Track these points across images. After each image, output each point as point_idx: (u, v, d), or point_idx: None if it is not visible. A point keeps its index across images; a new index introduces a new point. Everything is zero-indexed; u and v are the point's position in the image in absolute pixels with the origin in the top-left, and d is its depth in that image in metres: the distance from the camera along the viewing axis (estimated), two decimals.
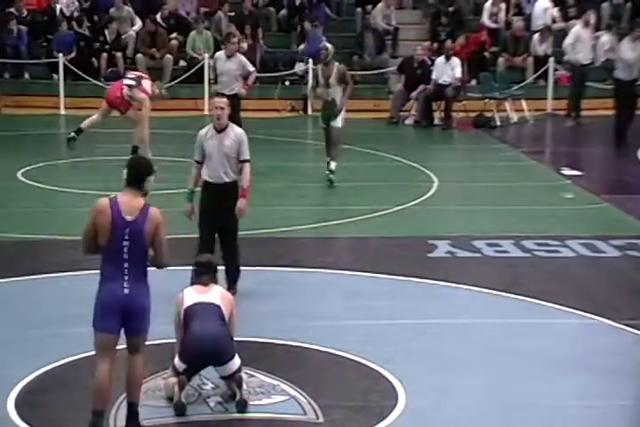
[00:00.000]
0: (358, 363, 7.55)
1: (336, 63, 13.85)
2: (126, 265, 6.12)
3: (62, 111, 19.40)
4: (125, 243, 6.10)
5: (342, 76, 13.73)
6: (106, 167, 14.69)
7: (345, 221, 11.87)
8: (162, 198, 12.63)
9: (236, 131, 8.91)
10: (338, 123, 13.61)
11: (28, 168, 14.32)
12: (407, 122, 19.15)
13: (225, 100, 8.95)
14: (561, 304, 8.96)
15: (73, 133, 15.46)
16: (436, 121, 19.02)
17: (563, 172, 14.91)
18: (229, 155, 8.82)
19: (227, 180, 8.87)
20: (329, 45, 13.99)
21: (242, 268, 9.18)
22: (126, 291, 6.10)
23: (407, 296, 9.19)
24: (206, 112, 19.18)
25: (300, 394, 6.94)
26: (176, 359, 6.79)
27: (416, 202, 12.88)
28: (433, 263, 10.30)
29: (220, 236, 9.03)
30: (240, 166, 8.87)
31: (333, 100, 13.61)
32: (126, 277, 6.11)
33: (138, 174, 6.23)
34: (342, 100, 13.66)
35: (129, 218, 6.13)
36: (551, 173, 15.01)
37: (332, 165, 13.56)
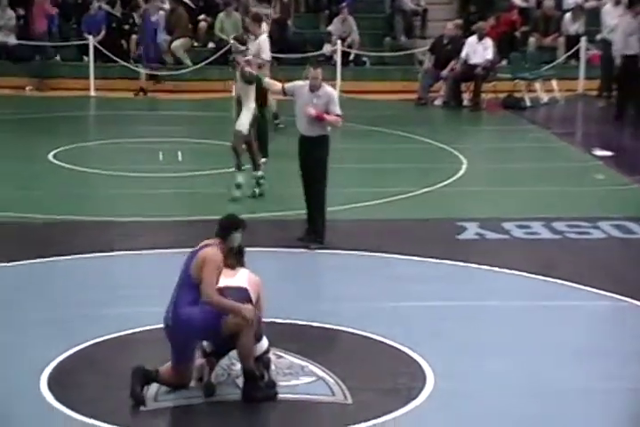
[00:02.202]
0: (387, 345, 7.56)
1: None
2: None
3: (92, 93, 19.46)
4: None
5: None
6: (137, 149, 14.75)
7: (374, 203, 11.86)
8: (192, 180, 12.73)
9: (326, 89, 9.77)
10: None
11: (58, 150, 14.39)
12: (436, 103, 19.06)
13: (319, 70, 9.80)
14: (592, 286, 8.92)
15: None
16: (465, 102, 18.92)
17: (594, 153, 14.81)
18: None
19: (315, 134, 9.77)
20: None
21: (274, 249, 9.43)
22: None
23: (436, 278, 9.18)
24: (234, 94, 19.15)
25: (329, 375, 6.96)
26: (204, 341, 6.83)
27: (445, 184, 12.84)
28: (462, 245, 10.28)
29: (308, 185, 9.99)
30: None
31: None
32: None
33: (223, 228, 6.81)
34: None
35: None
36: (582, 155, 14.92)
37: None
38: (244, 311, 6.51)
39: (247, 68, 11.44)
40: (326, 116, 9.75)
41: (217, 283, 6.61)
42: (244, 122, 11.58)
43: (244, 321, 6.49)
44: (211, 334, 6.63)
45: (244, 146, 11.75)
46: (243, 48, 11.68)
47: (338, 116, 9.81)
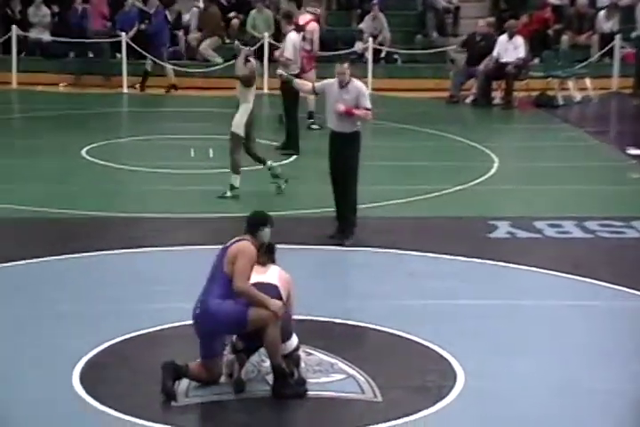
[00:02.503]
0: (417, 343, 7.54)
1: None
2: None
3: (125, 90, 19.54)
4: None
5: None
6: (169, 146, 14.81)
7: (405, 201, 11.84)
8: (224, 177, 12.75)
9: (355, 84, 9.75)
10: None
11: (91, 146, 14.47)
12: (467, 101, 19.00)
13: (345, 65, 9.82)
14: (624, 286, 8.85)
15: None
16: (497, 100, 18.84)
17: (628, 151, 14.70)
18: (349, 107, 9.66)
19: (346, 130, 9.81)
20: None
21: (303, 246, 9.47)
22: None
23: (467, 277, 9.15)
24: (265, 90, 19.21)
25: (359, 373, 6.95)
26: (235, 337, 6.84)
27: (476, 182, 12.80)
28: (493, 244, 10.24)
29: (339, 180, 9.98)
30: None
31: None
32: None
33: (252, 225, 6.87)
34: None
35: None
36: (616, 153, 14.82)
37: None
38: (273, 305, 6.52)
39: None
40: (355, 110, 9.75)
41: (250, 275, 6.63)
42: (238, 123, 11.55)
43: (270, 315, 6.50)
44: (237, 328, 6.64)
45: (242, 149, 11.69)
46: (245, 48, 11.87)
47: (367, 109, 9.81)
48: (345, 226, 9.98)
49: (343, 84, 9.80)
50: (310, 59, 15.57)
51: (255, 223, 6.89)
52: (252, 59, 11.75)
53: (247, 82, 11.50)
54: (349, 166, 9.92)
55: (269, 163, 11.94)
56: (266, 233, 6.89)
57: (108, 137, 15.19)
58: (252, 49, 11.92)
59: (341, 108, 9.72)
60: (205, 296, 6.67)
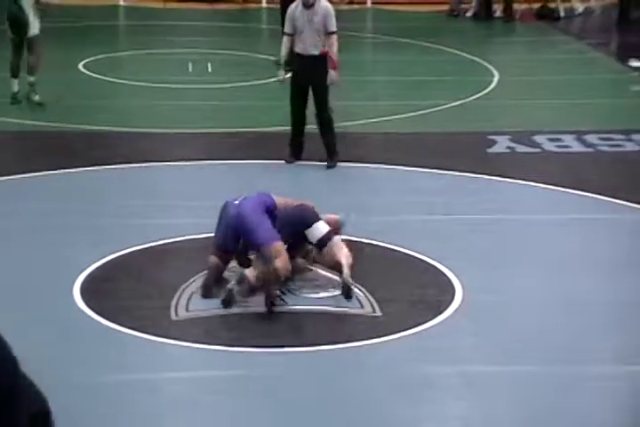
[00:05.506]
0: (416, 258, 7.59)
1: None
2: None
3: (122, 2, 19.28)
4: None
5: None
6: (166, 60, 14.68)
7: (404, 116, 11.79)
8: (222, 92, 12.68)
9: (322, 4, 9.55)
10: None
11: (89, 59, 14.35)
12: (468, 14, 18.77)
13: None
14: (624, 199, 8.87)
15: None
16: (497, 13, 18.61)
17: (630, 63, 14.59)
18: (319, 29, 9.51)
19: (316, 52, 9.53)
20: None
21: (305, 162, 9.53)
22: None
23: (466, 192, 9.16)
24: (264, 4, 18.96)
25: (357, 288, 7.01)
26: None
27: (476, 96, 12.73)
28: (493, 159, 10.24)
29: (315, 106, 9.69)
30: (327, 38, 9.56)
31: None
32: None
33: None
34: None
35: None
36: (617, 66, 14.71)
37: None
38: (279, 269, 6.60)
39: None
40: (333, 64, 9.59)
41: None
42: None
43: (271, 274, 6.63)
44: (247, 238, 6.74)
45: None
46: None
47: (333, 32, 9.54)
48: (332, 149, 9.79)
49: (308, 5, 9.51)
50: None
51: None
52: None
53: None
54: (324, 88, 9.65)
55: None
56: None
57: (105, 51, 15.06)
58: None
59: (336, 79, 9.60)
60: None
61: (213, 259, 6.89)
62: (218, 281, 6.86)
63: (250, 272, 6.65)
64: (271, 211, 6.92)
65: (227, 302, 6.66)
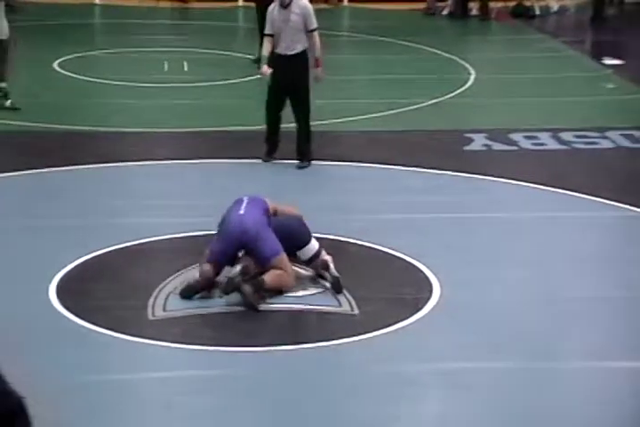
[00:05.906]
0: (393, 256, 7.59)
1: None
2: None
3: (97, 0, 19.20)
4: None
5: None
6: (142, 59, 14.63)
7: (381, 115, 11.80)
8: (198, 91, 12.64)
9: (300, 3, 9.45)
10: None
11: (63, 58, 14.27)
12: (444, 13, 18.81)
13: None
14: (600, 197, 8.91)
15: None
16: (473, 12, 18.66)
17: (604, 61, 14.65)
18: (298, 28, 9.43)
19: (295, 52, 9.48)
20: None
21: (284, 161, 9.51)
22: None
23: (443, 190, 9.17)
24: (240, 3, 18.93)
25: None
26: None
27: (453, 95, 12.75)
28: (469, 157, 10.26)
29: (292, 106, 9.68)
30: (309, 36, 9.52)
31: None
32: None
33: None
34: None
35: None
36: (592, 64, 14.78)
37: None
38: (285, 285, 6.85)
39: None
40: (318, 64, 9.61)
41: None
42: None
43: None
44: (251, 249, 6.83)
45: None
46: None
47: (314, 30, 9.51)
48: (306, 149, 9.76)
49: (285, 5, 9.44)
50: None
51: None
52: None
53: None
54: (305, 87, 9.63)
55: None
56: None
57: (80, 49, 14.99)
58: None
59: (321, 76, 9.67)
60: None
61: (207, 267, 6.88)
62: (204, 289, 6.84)
63: (266, 277, 6.77)
64: (268, 217, 7.04)
65: (227, 291, 6.70)
